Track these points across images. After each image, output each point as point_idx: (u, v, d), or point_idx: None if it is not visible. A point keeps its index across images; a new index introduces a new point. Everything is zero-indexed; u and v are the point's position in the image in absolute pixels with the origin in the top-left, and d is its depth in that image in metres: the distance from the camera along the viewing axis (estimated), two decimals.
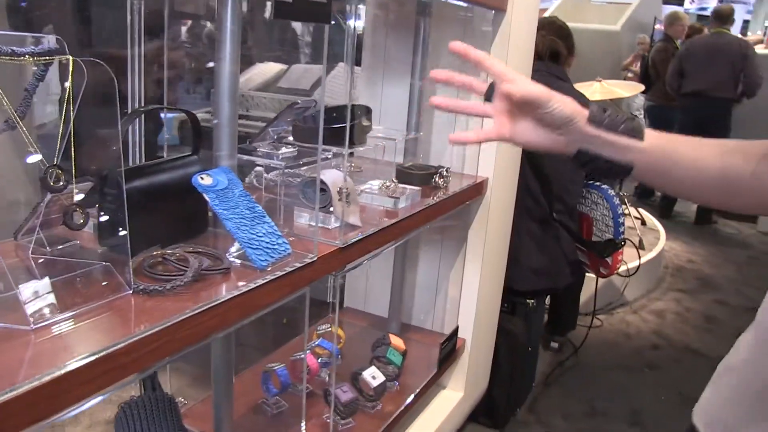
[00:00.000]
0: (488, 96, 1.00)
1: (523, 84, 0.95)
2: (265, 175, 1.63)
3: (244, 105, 3.87)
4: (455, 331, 2.15)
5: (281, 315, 3.06)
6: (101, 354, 0.85)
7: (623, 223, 2.60)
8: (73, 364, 0.82)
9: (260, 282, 1.12)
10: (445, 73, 1.02)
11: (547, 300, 3.18)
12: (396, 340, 1.99)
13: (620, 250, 2.65)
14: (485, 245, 2.16)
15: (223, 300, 1.04)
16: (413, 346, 2.15)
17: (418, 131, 2.09)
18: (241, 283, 1.11)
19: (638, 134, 0.95)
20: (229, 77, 1.29)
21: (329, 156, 1.61)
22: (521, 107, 0.97)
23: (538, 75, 2.34)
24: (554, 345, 3.34)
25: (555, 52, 2.58)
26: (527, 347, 2.61)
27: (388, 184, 1.71)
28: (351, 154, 2.02)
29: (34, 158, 1.04)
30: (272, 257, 1.18)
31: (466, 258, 2.18)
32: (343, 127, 1.62)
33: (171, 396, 1.47)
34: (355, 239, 1.38)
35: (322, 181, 1.42)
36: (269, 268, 1.17)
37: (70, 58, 1.00)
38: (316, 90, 3.85)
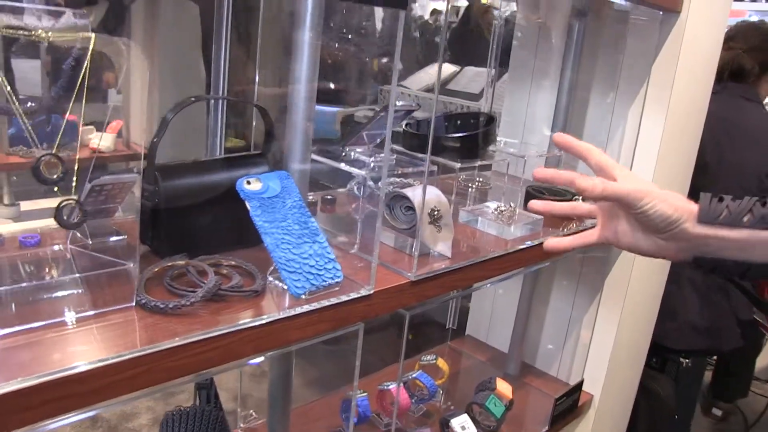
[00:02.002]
0: None
1: (619, 183, 0.83)
2: (369, 182, 1.45)
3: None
4: (579, 385, 1.85)
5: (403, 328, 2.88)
6: (35, 382, 0.71)
7: None
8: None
9: (285, 314, 0.94)
10: (546, 206, 0.99)
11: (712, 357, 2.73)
12: (503, 387, 1.72)
13: None
14: (627, 290, 1.83)
15: (226, 331, 0.87)
16: (527, 394, 1.88)
17: (560, 150, 1.81)
18: (266, 313, 0.93)
19: None
20: (307, 69, 1.12)
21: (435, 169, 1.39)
22: (620, 207, 0.86)
23: (717, 97, 1.93)
24: (717, 412, 2.87)
25: (738, 70, 2.11)
26: (674, 413, 2.22)
27: (503, 207, 1.47)
28: (481, 168, 1.79)
29: None
30: (313, 284, 0.99)
31: (600, 302, 1.86)
32: (455, 137, 1.41)
33: (222, 414, 1.33)
34: (430, 273, 1.15)
35: (408, 199, 1.21)
36: (305, 297, 0.98)
37: (92, 35, 0.88)
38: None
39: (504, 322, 2.09)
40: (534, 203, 0.96)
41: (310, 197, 1.41)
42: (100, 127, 1.07)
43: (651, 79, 1.74)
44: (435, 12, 8.33)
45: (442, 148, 1.43)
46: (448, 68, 4.08)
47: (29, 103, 0.92)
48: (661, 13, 1.68)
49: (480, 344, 2.16)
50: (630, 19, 1.74)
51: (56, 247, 1.07)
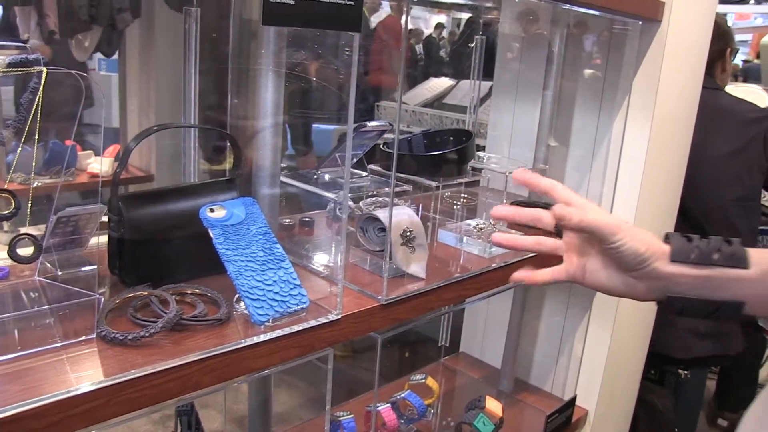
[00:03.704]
0: (558, 230, 0.90)
1: (587, 212, 0.81)
2: (350, 203, 1.44)
3: (405, 120, 3.73)
4: (572, 401, 1.83)
5: (401, 345, 2.88)
6: None
7: None
8: None
9: (247, 343, 0.93)
10: (509, 211, 0.91)
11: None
12: (493, 405, 1.71)
13: None
14: (619, 301, 1.81)
15: (186, 362, 0.87)
16: (521, 411, 1.86)
17: (545, 163, 1.80)
18: (229, 341, 0.93)
19: (740, 262, 0.76)
20: (272, 95, 1.12)
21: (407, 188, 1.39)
22: (591, 242, 0.84)
23: None
24: (722, 423, 2.83)
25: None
26: (673, 426, 2.19)
27: (483, 224, 1.46)
28: (468, 184, 1.79)
29: None
30: (277, 311, 0.99)
31: (591, 314, 1.84)
32: (432, 155, 1.41)
33: None
34: (402, 296, 1.14)
35: (379, 220, 1.20)
36: (268, 324, 0.97)
37: (44, 69, 0.88)
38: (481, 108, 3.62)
39: (497, 338, 2.07)
40: (498, 209, 0.91)
41: (287, 220, 1.41)
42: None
43: (635, 88, 1.73)
44: (439, 26, 8.35)
45: (421, 167, 1.43)
46: (445, 82, 4.09)
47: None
48: (640, 22, 1.68)
49: (474, 361, 2.15)
50: (612, 29, 1.73)
51: (25, 280, 1.07)
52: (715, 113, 2.08)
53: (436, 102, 3.91)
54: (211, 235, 1.00)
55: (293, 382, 2.62)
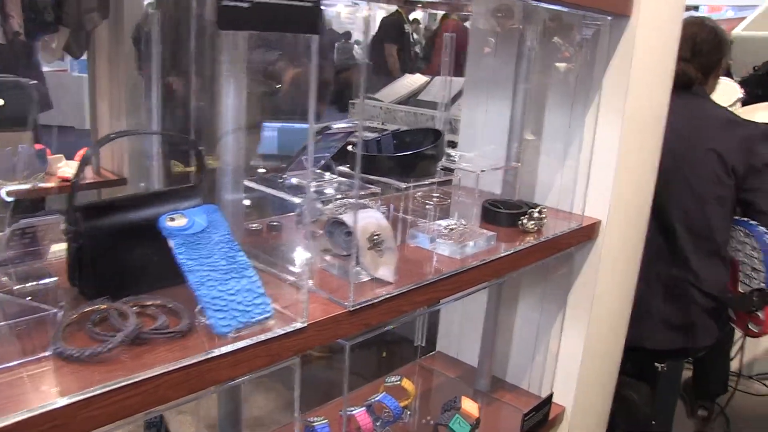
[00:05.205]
0: None
1: None
2: (319, 205, 1.42)
3: (380, 118, 3.71)
4: (548, 399, 1.82)
5: (378, 346, 2.86)
6: None
7: None
8: None
9: (209, 355, 0.91)
10: None
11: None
12: (469, 405, 1.69)
13: None
14: (594, 299, 1.81)
15: (145, 377, 0.84)
16: (498, 409, 1.85)
17: (518, 160, 1.79)
18: (191, 354, 0.90)
19: None
20: (234, 99, 1.10)
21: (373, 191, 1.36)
22: None
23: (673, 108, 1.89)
24: (702, 413, 2.84)
25: (687, 81, 2.09)
26: (650, 420, 2.19)
27: (454, 225, 1.44)
28: (441, 183, 1.77)
29: None
30: (241, 321, 0.96)
31: (566, 310, 1.84)
32: (400, 156, 1.39)
33: None
34: (370, 301, 1.12)
35: (345, 224, 1.18)
36: (232, 335, 0.95)
37: None
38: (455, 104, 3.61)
39: (473, 336, 2.06)
40: None
41: (255, 225, 1.39)
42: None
43: (606, 84, 1.72)
44: (415, 21, 8.34)
45: (390, 168, 1.41)
46: (420, 79, 4.07)
47: None
48: (610, 18, 1.67)
49: (450, 360, 2.13)
50: (584, 25, 1.72)
51: None
52: (700, 119, 2.11)
53: (411, 98, 3.90)
54: (171, 245, 0.98)
55: (271, 385, 2.59)
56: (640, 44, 1.67)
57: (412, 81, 4.10)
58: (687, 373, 2.90)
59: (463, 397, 1.71)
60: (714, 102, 2.23)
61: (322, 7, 0.92)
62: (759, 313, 2.13)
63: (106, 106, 3.52)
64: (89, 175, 3.25)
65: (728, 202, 2.10)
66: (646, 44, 1.70)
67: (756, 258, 2.10)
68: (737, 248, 2.16)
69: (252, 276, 1.01)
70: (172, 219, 1.00)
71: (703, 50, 2.08)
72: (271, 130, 2.36)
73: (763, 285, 2.08)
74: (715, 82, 2.27)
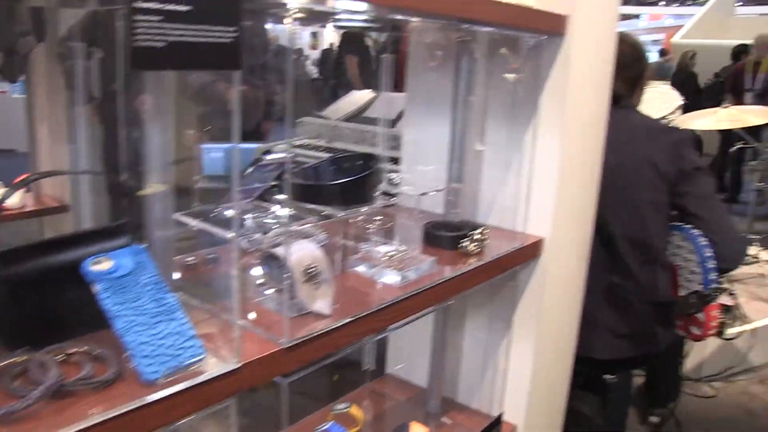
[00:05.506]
0: None
1: None
2: (257, 236, 1.39)
3: (326, 136, 3.69)
4: (498, 419, 1.81)
5: (329, 369, 2.81)
6: None
7: (715, 269, 2.10)
8: None
9: (137, 404, 0.87)
10: None
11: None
12: (418, 431, 1.68)
13: (713, 305, 2.15)
14: (540, 316, 1.81)
15: None
16: None
17: (460, 179, 1.78)
18: (118, 404, 0.87)
19: None
20: (159, 134, 1.07)
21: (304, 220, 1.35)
22: None
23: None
24: (654, 419, 2.88)
25: (615, 97, 2.06)
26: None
27: (393, 252, 1.43)
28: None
29: None
30: (171, 366, 0.93)
31: (513, 333, 1.84)
32: (335, 184, 1.37)
33: None
34: (306, 336, 1.10)
35: (277, 257, 1.16)
36: (161, 381, 0.92)
37: None
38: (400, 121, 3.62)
39: (423, 358, 2.04)
40: None
41: (191, 259, 1.36)
42: None
43: (544, 101, 1.73)
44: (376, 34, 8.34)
45: (326, 196, 1.39)
46: (366, 95, 4.07)
47: None
48: (544, 37, 1.68)
49: (400, 383, 2.12)
50: (522, 43, 1.73)
51: None
52: (629, 130, 2.17)
53: (358, 116, 3.89)
54: (96, 290, 0.94)
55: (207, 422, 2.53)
56: (576, 61, 1.69)
57: (359, 98, 4.10)
58: (639, 380, 2.94)
59: (411, 423, 1.70)
60: (640, 113, 2.29)
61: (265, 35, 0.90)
62: (699, 316, 2.17)
63: (45, 129, 3.43)
64: (29, 202, 3.15)
65: (663, 208, 2.15)
66: (582, 61, 1.71)
67: (692, 261, 2.14)
68: (675, 253, 2.20)
69: (182, 318, 0.98)
70: (98, 262, 0.96)
71: (626, 64, 2.12)
72: (216, 151, 2.33)
73: (700, 287, 2.12)
74: (640, 94, 2.34)
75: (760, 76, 6.99)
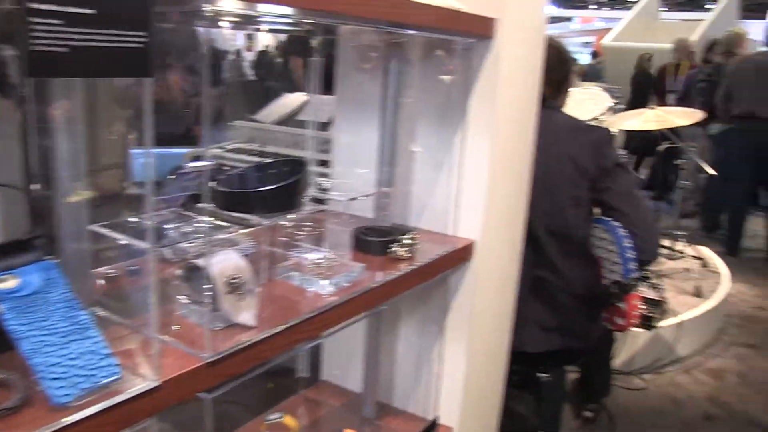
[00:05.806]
0: None
1: None
2: (183, 245, 1.35)
3: (259, 139, 3.64)
4: (433, 423, 1.81)
5: (263, 377, 2.75)
6: None
7: (634, 259, 2.16)
8: None
9: (48, 430, 0.83)
10: None
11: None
12: None
13: (634, 294, 2.22)
14: (472, 318, 1.81)
15: None
16: None
17: (390, 183, 1.77)
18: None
19: None
20: (67, 142, 1.02)
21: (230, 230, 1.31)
22: None
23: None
24: (587, 414, 2.93)
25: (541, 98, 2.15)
26: (537, 430, 2.23)
27: (321, 259, 1.41)
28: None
29: None
30: (84, 388, 0.89)
31: (446, 336, 1.84)
32: (260, 192, 1.34)
33: None
34: (229, 350, 1.07)
35: (198, 268, 1.13)
36: (73, 404, 0.88)
37: None
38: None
39: (357, 363, 2.03)
40: None
41: (112, 271, 1.31)
42: None
43: (474, 103, 1.74)
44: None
45: (252, 203, 1.36)
46: (299, 98, 4.03)
47: None
48: (474, 40, 1.68)
49: (335, 389, 2.09)
50: (452, 46, 1.73)
51: None
52: (553, 130, 2.21)
53: (291, 119, 3.85)
54: (0, 310, 0.89)
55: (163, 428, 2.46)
56: (505, 63, 1.70)
57: (292, 101, 4.05)
58: (572, 376, 2.99)
59: (345, 431, 1.68)
60: (564, 113, 2.36)
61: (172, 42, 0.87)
62: (621, 306, 2.22)
63: None
64: None
65: (584, 203, 2.21)
66: (511, 63, 1.73)
67: (614, 252, 2.19)
68: (598, 245, 2.25)
69: (95, 336, 0.94)
70: (2, 281, 0.91)
71: (552, 67, 2.15)
72: (143, 156, 2.25)
73: (621, 277, 2.17)
74: (565, 96, 2.41)
75: (680, 78, 7.29)
